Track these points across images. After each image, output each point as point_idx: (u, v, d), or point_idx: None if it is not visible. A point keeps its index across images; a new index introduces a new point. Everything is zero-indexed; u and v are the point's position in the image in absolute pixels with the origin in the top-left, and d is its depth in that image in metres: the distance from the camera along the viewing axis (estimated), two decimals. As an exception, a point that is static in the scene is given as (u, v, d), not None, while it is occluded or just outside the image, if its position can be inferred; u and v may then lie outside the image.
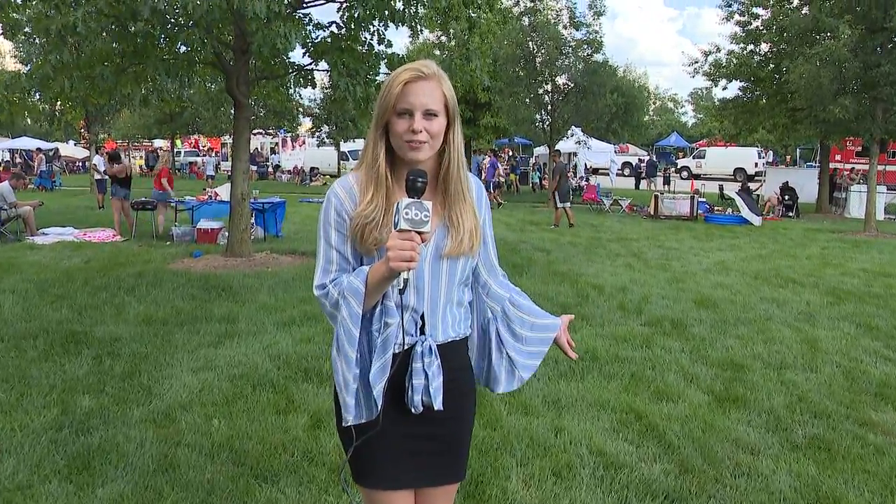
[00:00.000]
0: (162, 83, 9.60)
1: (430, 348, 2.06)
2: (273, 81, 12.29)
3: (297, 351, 6.22)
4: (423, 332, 2.08)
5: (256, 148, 45.99)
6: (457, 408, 2.18)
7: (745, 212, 19.69)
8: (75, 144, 47.89)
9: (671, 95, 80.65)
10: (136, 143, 49.03)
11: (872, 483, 3.89)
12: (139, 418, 4.64)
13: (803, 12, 19.45)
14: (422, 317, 2.08)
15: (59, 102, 10.04)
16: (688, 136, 63.68)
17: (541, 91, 23.61)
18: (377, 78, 11.08)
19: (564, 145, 26.24)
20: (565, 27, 23.18)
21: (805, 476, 3.94)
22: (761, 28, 22.05)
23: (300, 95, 34.49)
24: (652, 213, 20.65)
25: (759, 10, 22.17)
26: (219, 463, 4.01)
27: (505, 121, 25.58)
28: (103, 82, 9.33)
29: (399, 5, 10.30)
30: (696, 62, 23.36)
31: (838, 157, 31.10)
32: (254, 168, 40.16)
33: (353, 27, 10.76)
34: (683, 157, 49.20)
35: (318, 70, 11.36)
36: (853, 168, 30.27)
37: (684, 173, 43.05)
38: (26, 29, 9.34)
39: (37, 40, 9.34)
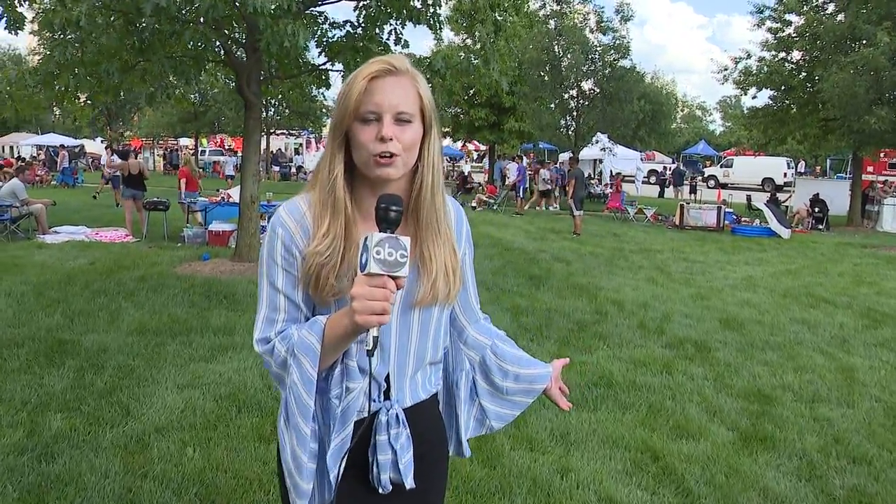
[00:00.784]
0: (168, 81, 9.25)
1: (397, 417, 1.64)
2: (288, 81, 11.93)
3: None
4: (387, 397, 1.66)
5: (280, 149, 45.94)
6: (429, 478, 1.76)
7: (774, 224, 19.03)
8: (102, 141, 48.04)
9: (699, 103, 79.74)
10: (160, 141, 49.03)
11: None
12: (110, 443, 4.25)
13: (838, 19, 18.80)
14: (386, 378, 1.66)
15: (65, 100, 9.69)
16: (716, 145, 62.67)
17: (566, 96, 23.11)
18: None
19: (589, 151, 25.72)
20: (592, 32, 22.69)
21: (843, 537, 3.47)
22: (794, 35, 21.38)
23: (324, 96, 34.18)
24: (677, 223, 20.07)
25: (792, 17, 21.53)
26: (185, 500, 3.61)
27: (529, 126, 25.08)
28: (108, 79, 9.00)
29: (417, 4, 9.87)
30: (726, 69, 22.75)
31: (870, 169, 30.21)
32: (276, 169, 40.18)
33: (368, 26, 10.37)
34: (711, 166, 48.35)
35: (332, 70, 10.97)
36: (886, 180, 29.37)
37: (711, 182, 42.26)
38: (33, 24, 9.07)
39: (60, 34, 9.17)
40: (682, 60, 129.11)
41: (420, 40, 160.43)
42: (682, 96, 71.57)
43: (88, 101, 11.14)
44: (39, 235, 13.13)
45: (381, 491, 1.64)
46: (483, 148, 41.63)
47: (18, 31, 8.57)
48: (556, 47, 22.32)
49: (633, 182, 35.35)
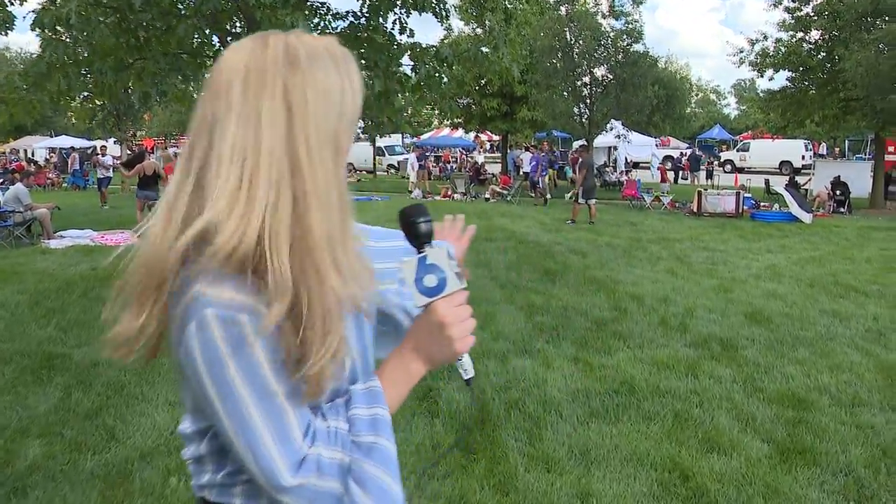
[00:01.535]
0: (165, 79, 8.89)
1: None
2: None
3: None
4: None
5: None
6: None
7: (795, 208, 18.43)
8: (115, 143, 47.98)
9: (714, 87, 78.61)
10: (173, 141, 48.92)
11: None
12: (89, 473, 3.90)
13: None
14: None
15: (60, 101, 9.35)
16: (731, 129, 61.74)
17: (579, 83, 22.57)
18: (399, 70, 10.25)
19: (604, 139, 25.18)
20: (604, 17, 22.13)
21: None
22: (812, 14, 20.75)
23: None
24: (695, 210, 19.50)
25: (811, -5, 20.91)
26: (165, 542, 3.25)
27: (542, 114, 24.57)
28: (102, 79, 8.65)
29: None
30: (742, 52, 22.15)
31: (891, 149, 29.45)
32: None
33: (372, 15, 9.95)
34: (727, 150, 47.54)
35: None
36: (908, 161, 28.59)
37: (728, 167, 41.52)
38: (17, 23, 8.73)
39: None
40: (695, 44, 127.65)
41: (429, 30, 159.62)
42: (696, 81, 70.69)
43: (87, 102, 10.80)
44: (44, 241, 12.85)
45: None
46: (496, 138, 41.05)
47: (8, 32, 8.23)
48: (567, 34, 21.78)
49: (649, 168, 34.80)
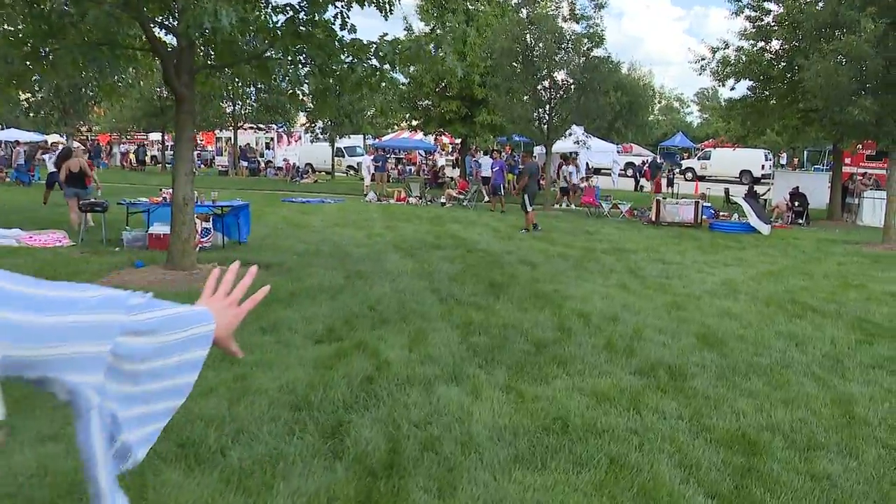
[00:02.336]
0: (78, 71, 8.16)
1: None
2: (227, 72, 10.84)
3: (189, 409, 4.78)
4: None
5: (249, 143, 44.58)
6: None
7: (753, 219, 18.16)
8: (63, 137, 46.53)
9: (677, 95, 78.99)
10: (128, 137, 47.59)
11: None
12: None
13: (819, 6, 17.90)
14: None
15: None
16: (693, 137, 62.00)
17: (539, 87, 22.08)
18: (340, 67, 9.60)
19: (563, 144, 24.70)
20: (565, 20, 21.65)
21: None
22: (773, 24, 20.50)
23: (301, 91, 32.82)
24: (654, 219, 19.14)
25: (772, 6, 20.65)
26: None
27: (501, 118, 24.05)
28: (9, 67, 7.87)
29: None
30: (703, 59, 21.83)
31: (847, 161, 29.50)
32: (244, 164, 38.91)
33: (311, 8, 9.29)
34: (689, 158, 47.57)
35: (271, 59, 9.83)
36: (865, 173, 28.65)
37: (689, 174, 41.48)
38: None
39: None
40: (659, 52, 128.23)
41: (388, 29, 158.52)
42: (659, 88, 70.89)
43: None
44: (-34, 242, 11.94)
45: None
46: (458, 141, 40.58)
47: None
48: (527, 36, 21.27)
49: (611, 175, 34.49)
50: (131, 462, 1.25)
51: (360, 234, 14.53)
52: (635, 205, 21.61)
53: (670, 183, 30.90)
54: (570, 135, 23.43)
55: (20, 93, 11.09)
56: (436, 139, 41.43)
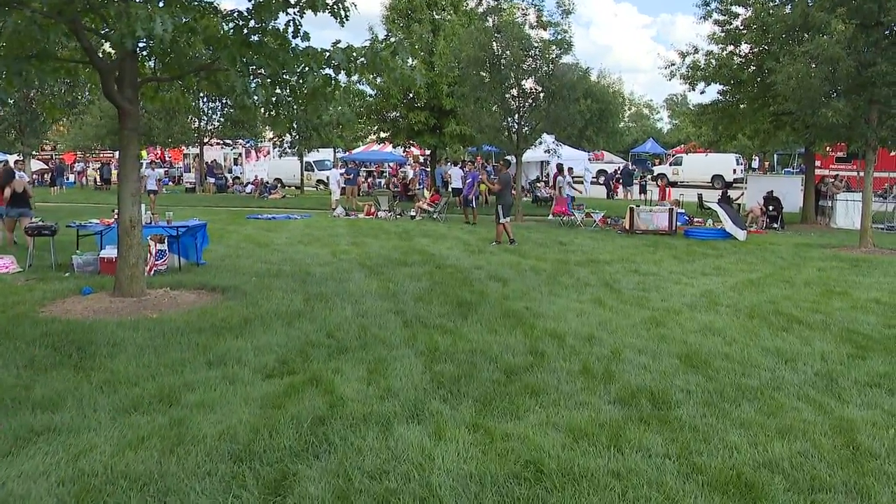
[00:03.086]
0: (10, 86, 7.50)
1: None
2: (177, 84, 10.20)
3: (113, 466, 4.19)
4: None
5: (215, 159, 43.74)
6: None
7: (729, 225, 17.79)
8: (19, 156, 45.29)
9: (647, 101, 79.28)
10: (94, 155, 46.46)
11: None
12: None
13: (788, 8, 17.64)
14: None
15: None
16: (664, 143, 62.11)
17: (507, 96, 21.61)
18: (294, 78, 9.01)
19: (533, 153, 24.25)
20: (532, 27, 21.21)
21: None
22: (741, 28, 20.24)
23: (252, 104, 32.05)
24: (627, 227, 18.70)
25: (739, 10, 20.38)
26: None
27: (470, 129, 23.55)
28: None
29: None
30: (673, 64, 21.53)
31: (817, 163, 29.44)
32: (211, 181, 38.08)
33: (260, 15, 8.68)
34: (660, 164, 47.49)
35: (219, 71, 9.20)
36: (837, 175, 28.56)
37: (661, 181, 41.37)
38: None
39: None
40: (628, 60, 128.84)
41: (352, 39, 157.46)
42: (629, 95, 71.03)
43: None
44: None
45: None
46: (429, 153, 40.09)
47: None
48: (494, 45, 20.80)
49: (582, 183, 34.17)
50: None
51: (325, 252, 13.92)
52: (608, 213, 21.19)
53: (643, 190, 30.62)
54: (541, 143, 23.00)
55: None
56: (405, 151, 40.88)
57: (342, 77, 8.86)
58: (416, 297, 9.31)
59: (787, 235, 18.97)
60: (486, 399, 5.43)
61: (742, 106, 21.76)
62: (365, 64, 8.24)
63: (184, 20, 7.80)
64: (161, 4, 7.79)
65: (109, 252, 11.84)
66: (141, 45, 8.96)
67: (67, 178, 41.54)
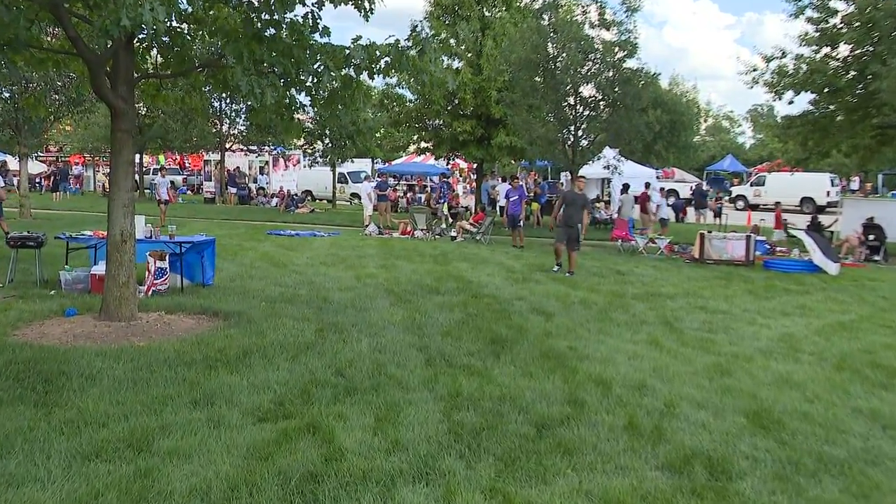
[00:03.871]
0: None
1: None
2: (181, 81, 10.17)
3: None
4: None
5: (238, 167, 44.21)
6: None
7: (817, 256, 17.19)
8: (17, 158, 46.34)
9: (726, 113, 78.27)
10: (102, 159, 47.33)
11: None
12: None
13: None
14: None
15: None
16: (744, 160, 61.13)
17: (564, 104, 21.39)
18: (311, 78, 8.89)
19: (590, 170, 23.91)
20: (593, 26, 21.00)
21: None
22: (840, 26, 19.65)
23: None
24: (697, 255, 18.24)
25: (839, 4, 19.80)
26: None
27: (519, 139, 23.35)
28: None
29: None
30: (755, 70, 21.06)
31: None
32: (233, 191, 38.46)
33: (276, 7, 8.58)
34: (739, 184, 46.64)
35: (227, 67, 9.12)
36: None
37: (740, 203, 40.56)
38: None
39: None
40: (706, 65, 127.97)
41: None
42: (705, 105, 70.18)
43: None
44: None
45: None
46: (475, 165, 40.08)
47: None
48: (549, 46, 20.63)
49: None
50: None
51: (349, 276, 13.78)
52: (675, 239, 20.72)
53: (718, 213, 29.97)
54: (600, 158, 22.67)
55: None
56: (453, 163, 40.84)
57: (364, 77, 8.74)
58: (445, 331, 9.07)
59: (890, 270, 18.26)
60: (510, 457, 5.14)
61: (838, 118, 21.14)
62: (389, 64, 8.09)
63: (188, 10, 7.75)
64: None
65: (102, 268, 11.86)
66: (141, 36, 8.98)
67: (69, 184, 42.51)
